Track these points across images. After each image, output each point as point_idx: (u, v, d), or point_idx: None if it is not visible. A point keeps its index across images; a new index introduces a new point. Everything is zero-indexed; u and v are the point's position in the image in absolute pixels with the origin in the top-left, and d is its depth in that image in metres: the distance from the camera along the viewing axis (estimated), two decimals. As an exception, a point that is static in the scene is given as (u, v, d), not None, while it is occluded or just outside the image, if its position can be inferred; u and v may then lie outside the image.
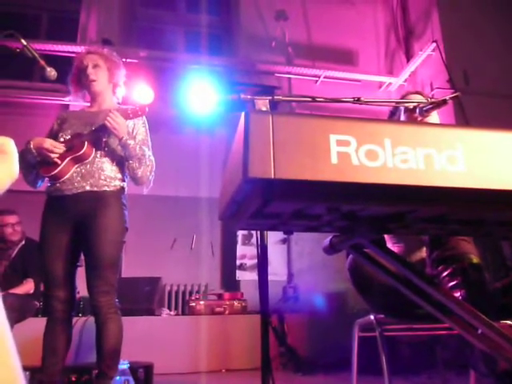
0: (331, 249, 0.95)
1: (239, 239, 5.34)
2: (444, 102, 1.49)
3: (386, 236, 1.92)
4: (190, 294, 5.14)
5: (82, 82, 2.56)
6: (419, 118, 1.72)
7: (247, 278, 5.20)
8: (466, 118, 4.56)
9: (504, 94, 4.98)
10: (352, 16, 6.15)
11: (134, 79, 4.42)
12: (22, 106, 5.15)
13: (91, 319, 2.36)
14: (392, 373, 1.72)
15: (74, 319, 3.54)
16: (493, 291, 1.62)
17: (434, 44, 5.29)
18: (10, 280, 3.47)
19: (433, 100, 1.52)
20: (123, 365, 1.99)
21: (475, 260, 1.61)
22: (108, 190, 2.39)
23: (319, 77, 5.81)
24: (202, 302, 4.51)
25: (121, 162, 2.47)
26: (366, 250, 0.94)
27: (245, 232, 5.29)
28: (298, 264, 5.36)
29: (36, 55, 2.14)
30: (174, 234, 5.33)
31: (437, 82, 5.33)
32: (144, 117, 2.54)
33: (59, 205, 2.38)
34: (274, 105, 1.35)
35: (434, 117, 1.91)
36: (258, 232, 2.23)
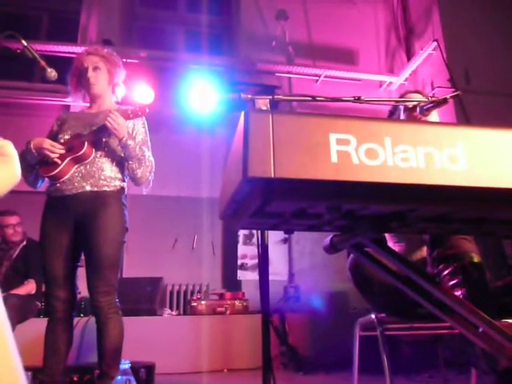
0: (332, 248, 0.95)
1: (240, 239, 5.34)
2: (445, 100, 1.48)
3: (386, 235, 1.92)
4: (192, 293, 5.14)
5: (82, 84, 2.56)
6: (419, 117, 1.72)
7: (248, 277, 5.20)
8: (466, 116, 4.56)
9: (505, 93, 4.98)
10: (352, 15, 6.15)
11: (135, 79, 4.42)
12: (22, 107, 5.15)
13: (93, 319, 2.36)
14: (393, 372, 1.72)
15: (76, 319, 3.55)
16: (494, 290, 1.62)
17: (435, 43, 5.28)
18: (12, 281, 3.47)
19: (433, 99, 1.52)
20: (125, 364, 1.99)
21: (476, 259, 1.61)
22: (108, 190, 2.40)
23: (320, 76, 5.80)
24: (203, 302, 4.51)
25: (121, 162, 2.47)
26: (367, 249, 0.94)
27: (246, 232, 5.29)
28: (298, 263, 5.36)
29: (36, 56, 2.14)
30: (175, 234, 5.33)
31: (437, 81, 5.33)
32: (144, 117, 2.54)
33: (59, 205, 2.38)
34: (274, 104, 1.35)
35: (434, 116, 1.91)
36: (259, 232, 2.23)
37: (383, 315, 1.77)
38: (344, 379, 3.08)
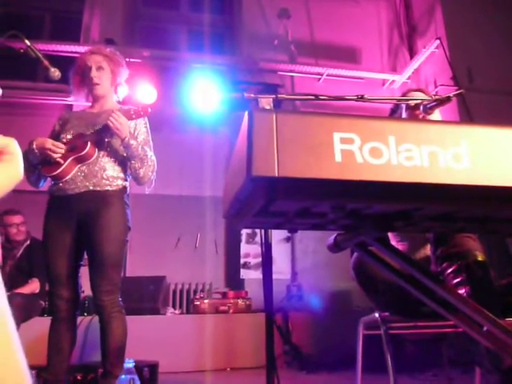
0: (336, 247, 0.95)
1: (243, 238, 5.35)
2: (448, 99, 1.48)
3: (389, 234, 1.92)
4: (195, 292, 5.15)
5: (85, 83, 2.56)
6: (421, 116, 1.71)
7: (251, 276, 5.20)
8: (470, 115, 4.55)
9: (508, 91, 4.96)
10: (355, 13, 6.14)
11: (137, 79, 4.42)
12: (25, 107, 5.16)
13: (96, 318, 2.37)
14: (397, 371, 1.72)
15: (80, 318, 3.55)
16: (498, 288, 1.61)
17: (438, 41, 5.27)
18: (16, 280, 3.49)
19: (437, 97, 1.52)
20: (129, 363, 1.99)
21: (480, 257, 1.61)
22: (110, 189, 2.40)
23: (322, 75, 5.80)
24: (206, 301, 4.51)
25: (123, 161, 2.48)
26: (371, 248, 0.94)
27: (249, 230, 5.29)
28: (301, 262, 5.36)
29: (40, 55, 2.15)
30: (178, 233, 5.33)
31: (440, 79, 5.32)
32: (146, 117, 2.54)
33: (62, 204, 2.39)
34: (277, 103, 1.35)
35: (436, 114, 1.90)
36: (262, 230, 2.23)
37: (387, 314, 1.77)
38: (347, 378, 3.07)
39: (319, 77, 5.83)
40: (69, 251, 2.35)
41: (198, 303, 4.50)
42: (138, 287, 4.25)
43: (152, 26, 6.30)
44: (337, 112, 0.78)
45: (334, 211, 0.78)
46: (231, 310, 4.49)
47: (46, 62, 2.19)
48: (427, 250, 1.85)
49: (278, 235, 5.14)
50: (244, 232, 5.32)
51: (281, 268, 5.17)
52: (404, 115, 2.02)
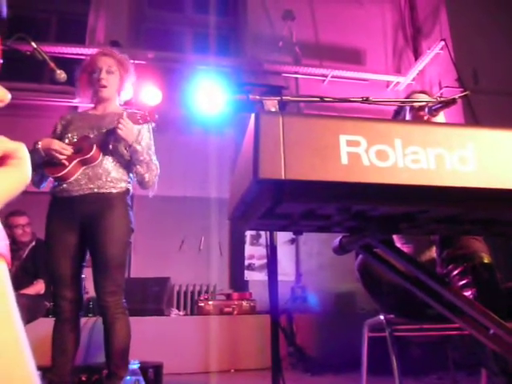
0: (341, 249, 0.95)
1: (247, 239, 5.35)
2: (453, 101, 1.48)
3: (394, 236, 1.91)
4: (199, 294, 5.15)
5: (92, 83, 2.56)
6: (426, 117, 1.71)
7: (256, 278, 5.20)
8: (475, 116, 4.53)
9: (513, 93, 4.94)
10: (359, 15, 6.13)
11: (142, 80, 4.43)
12: (31, 108, 5.19)
13: (101, 319, 2.37)
14: (402, 373, 1.72)
15: (84, 319, 3.56)
16: (504, 291, 1.61)
17: (443, 42, 5.25)
18: (21, 281, 3.50)
19: (442, 99, 1.52)
20: (134, 365, 1.99)
21: (486, 259, 1.60)
22: (115, 191, 2.42)
23: (327, 76, 5.79)
24: (210, 303, 4.51)
25: (127, 164, 2.49)
26: (376, 250, 0.94)
27: (253, 232, 5.29)
28: (306, 264, 5.35)
29: (46, 58, 2.16)
30: (183, 235, 5.34)
31: (445, 81, 5.30)
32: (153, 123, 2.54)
33: (66, 205, 2.40)
34: (282, 105, 1.36)
35: (441, 116, 1.90)
36: (268, 233, 2.23)
37: (392, 316, 1.76)
38: (352, 380, 3.07)
39: (324, 78, 5.83)
40: (72, 252, 2.37)
41: (202, 305, 4.50)
42: (142, 288, 4.26)
43: (157, 27, 6.31)
44: (341, 114, 0.78)
45: (339, 213, 0.79)
46: (235, 312, 4.49)
47: (52, 64, 2.20)
48: (432, 252, 1.84)
49: (282, 237, 5.14)
50: (248, 234, 5.32)
51: (285, 270, 5.16)
52: (408, 117, 2.01)
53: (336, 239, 0.97)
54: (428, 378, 3.41)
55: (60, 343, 2.31)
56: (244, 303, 4.54)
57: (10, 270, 0.48)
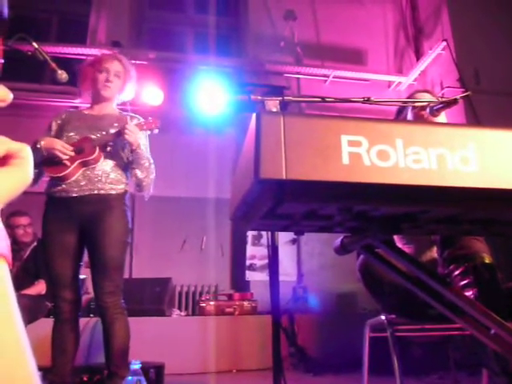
0: (342, 249, 0.95)
1: (249, 240, 5.34)
2: (455, 101, 1.48)
3: (395, 237, 1.91)
4: (200, 294, 5.15)
5: (94, 79, 2.56)
6: (427, 117, 1.71)
7: (257, 278, 5.20)
8: (476, 117, 4.53)
9: (515, 94, 4.93)
10: (361, 15, 6.13)
11: (144, 81, 4.44)
12: (32, 108, 5.19)
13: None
14: (403, 373, 1.72)
15: (86, 320, 3.56)
16: (506, 291, 1.60)
17: (444, 43, 5.25)
18: (22, 281, 3.50)
19: (444, 99, 1.52)
20: (135, 365, 1.99)
21: (487, 259, 1.60)
22: (114, 192, 2.43)
23: (328, 76, 5.79)
24: (212, 303, 4.51)
25: (125, 166, 2.52)
26: (377, 251, 0.94)
27: (254, 232, 5.28)
28: (307, 264, 5.35)
29: (47, 58, 2.16)
30: (184, 235, 5.34)
31: (447, 81, 5.29)
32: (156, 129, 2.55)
33: (63, 206, 2.40)
34: (284, 105, 1.36)
35: (442, 116, 1.89)
36: (269, 233, 2.23)
37: (393, 316, 1.76)
38: (354, 380, 3.07)
39: (325, 79, 5.83)
40: (71, 252, 2.37)
41: (203, 305, 4.50)
42: (143, 289, 4.26)
43: (158, 28, 6.32)
44: (342, 114, 0.78)
45: (340, 213, 0.79)
46: (237, 312, 4.49)
47: (53, 65, 2.21)
48: (433, 253, 1.84)
49: (283, 237, 5.14)
50: (250, 234, 5.32)
51: (287, 270, 5.16)
52: (409, 116, 2.01)
53: (337, 239, 0.97)
54: (429, 378, 3.40)
55: (60, 343, 2.32)
56: (245, 303, 4.54)
57: (11, 271, 0.48)
